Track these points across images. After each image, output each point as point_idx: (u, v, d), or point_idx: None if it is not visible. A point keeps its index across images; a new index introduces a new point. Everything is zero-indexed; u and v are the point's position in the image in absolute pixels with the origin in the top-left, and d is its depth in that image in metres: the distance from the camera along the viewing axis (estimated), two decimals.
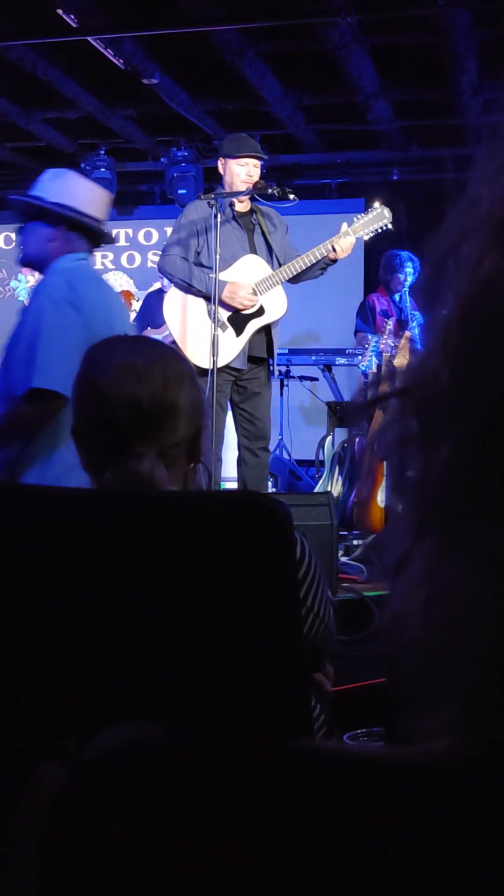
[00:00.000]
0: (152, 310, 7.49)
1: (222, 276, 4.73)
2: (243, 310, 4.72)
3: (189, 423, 1.52)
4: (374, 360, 5.42)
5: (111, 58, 6.56)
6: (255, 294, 4.75)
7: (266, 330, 4.85)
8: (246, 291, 4.70)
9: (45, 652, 1.21)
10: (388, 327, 5.59)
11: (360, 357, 5.73)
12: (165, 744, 0.38)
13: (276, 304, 4.83)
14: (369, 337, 5.63)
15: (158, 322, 7.62)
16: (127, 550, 1.20)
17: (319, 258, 4.77)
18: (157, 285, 7.99)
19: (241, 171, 4.79)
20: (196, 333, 4.69)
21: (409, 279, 7.48)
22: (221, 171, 4.88)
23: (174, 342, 4.87)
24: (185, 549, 1.17)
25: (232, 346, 4.75)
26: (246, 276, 4.79)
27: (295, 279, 4.84)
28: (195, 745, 0.37)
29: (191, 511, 1.19)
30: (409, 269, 7.44)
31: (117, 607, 1.18)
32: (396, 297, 7.47)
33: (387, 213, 4.93)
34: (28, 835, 0.35)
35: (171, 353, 1.58)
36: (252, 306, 4.73)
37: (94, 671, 1.20)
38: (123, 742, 0.38)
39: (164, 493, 1.41)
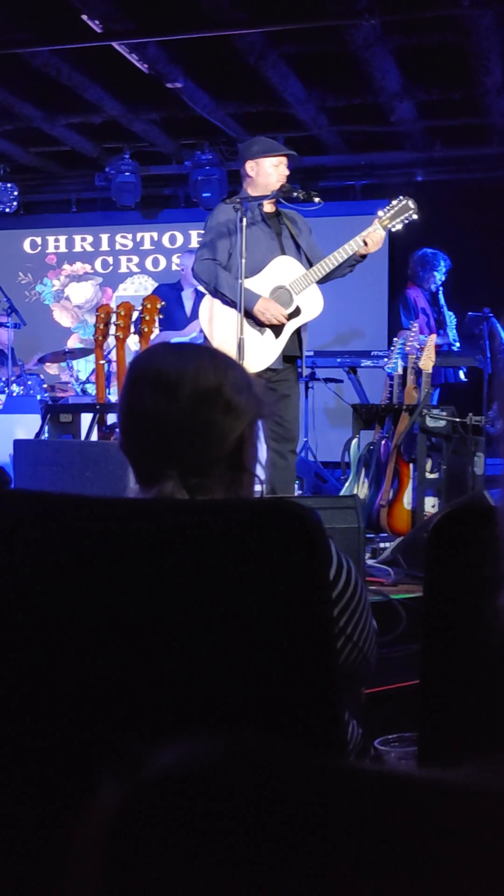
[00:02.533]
0: (168, 308, 7.46)
1: (255, 280, 4.74)
2: (268, 326, 4.73)
3: (227, 435, 1.48)
4: (400, 361, 5.41)
5: (135, 62, 6.59)
6: (291, 300, 4.76)
7: (297, 330, 4.85)
8: (278, 310, 4.71)
9: (73, 663, 1.21)
10: (414, 328, 5.58)
11: (385, 359, 5.72)
12: (218, 766, 0.38)
13: (312, 303, 4.83)
14: (395, 339, 5.62)
15: (179, 324, 7.60)
16: (152, 560, 1.20)
17: (350, 254, 4.77)
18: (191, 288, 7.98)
19: (274, 172, 4.80)
20: (230, 339, 4.70)
21: (442, 278, 7.48)
22: (252, 172, 4.85)
23: (205, 342, 4.89)
24: (213, 558, 1.17)
25: (272, 349, 4.76)
26: (279, 277, 4.79)
27: (324, 278, 4.83)
28: (247, 767, 0.38)
29: (218, 520, 1.19)
30: (442, 268, 7.44)
31: (144, 619, 1.18)
32: (427, 295, 7.47)
33: (412, 203, 4.92)
34: (86, 856, 0.35)
35: (208, 364, 1.51)
36: (281, 324, 4.73)
37: (118, 684, 1.20)
38: (177, 764, 0.39)
39: (191, 502, 1.40)
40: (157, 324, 5.20)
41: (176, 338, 7.44)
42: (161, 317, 5.29)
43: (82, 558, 1.22)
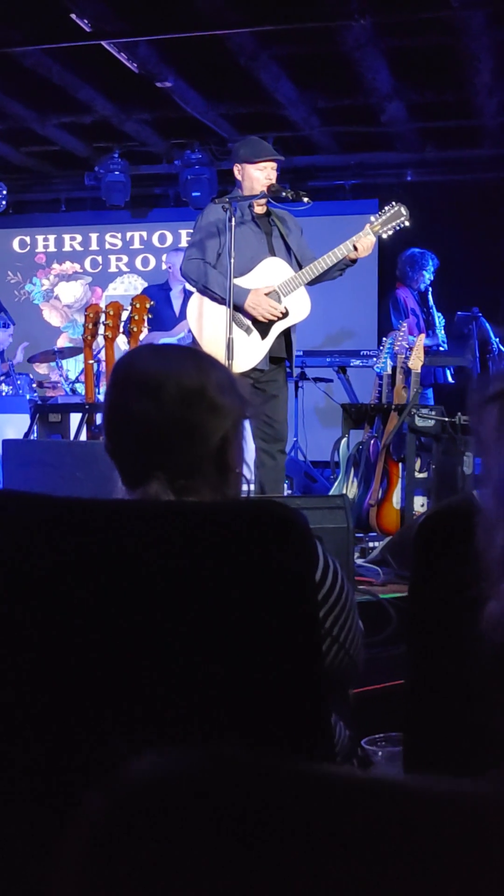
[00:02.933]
0: (157, 308, 7.45)
1: (244, 280, 4.74)
2: (264, 321, 4.72)
3: (212, 435, 1.48)
4: (389, 361, 5.42)
5: (126, 62, 6.58)
6: (279, 302, 4.75)
7: (285, 330, 4.85)
8: (269, 302, 4.70)
9: (61, 667, 1.21)
10: (403, 329, 5.59)
11: (374, 358, 5.72)
12: (198, 773, 0.38)
13: (299, 306, 4.83)
14: (384, 339, 5.63)
15: (167, 324, 7.60)
16: (139, 562, 1.20)
17: (340, 258, 4.77)
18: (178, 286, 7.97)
19: (261, 176, 4.80)
20: (218, 338, 4.70)
21: (431, 277, 7.49)
22: (239, 176, 4.87)
23: (195, 344, 4.89)
24: (199, 559, 1.17)
25: (258, 350, 4.76)
26: (268, 278, 4.79)
27: (313, 281, 4.84)
28: (227, 775, 0.38)
29: (204, 522, 1.19)
30: (431, 268, 7.45)
31: (130, 620, 1.18)
32: (416, 295, 7.48)
33: (404, 210, 4.92)
34: (69, 862, 0.35)
35: (191, 365, 1.52)
36: (275, 318, 4.73)
37: (105, 687, 1.20)
38: (157, 772, 0.39)
39: (178, 504, 1.40)
40: (146, 323, 5.20)
41: (164, 338, 7.43)
42: (150, 316, 5.28)
43: (69, 561, 1.22)
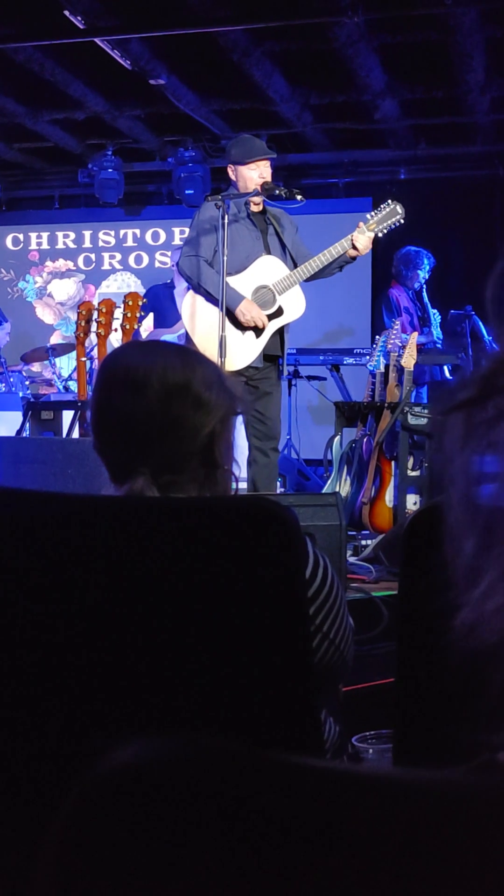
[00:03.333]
0: (162, 306, 7.46)
1: (239, 278, 4.74)
2: (248, 327, 4.73)
3: (198, 431, 1.48)
4: (382, 359, 5.42)
5: (118, 59, 6.57)
6: (274, 301, 4.76)
7: (279, 329, 4.86)
8: (259, 314, 4.72)
9: (46, 663, 1.21)
10: (396, 327, 5.58)
11: (368, 357, 5.72)
12: (177, 761, 0.38)
13: (294, 304, 4.83)
14: (377, 337, 5.63)
15: (169, 321, 7.61)
16: (127, 558, 1.19)
17: (337, 256, 4.77)
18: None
19: (254, 175, 4.80)
20: (212, 335, 4.70)
21: (426, 276, 7.49)
22: (233, 176, 4.87)
23: (188, 340, 4.89)
24: (188, 555, 1.16)
25: (252, 348, 4.77)
26: (263, 276, 4.79)
27: (310, 278, 4.84)
28: (206, 763, 0.37)
29: (194, 518, 1.19)
30: (426, 266, 7.45)
31: (119, 616, 1.18)
32: (411, 293, 7.47)
33: (399, 209, 4.92)
34: (48, 852, 0.35)
35: (176, 360, 1.51)
36: (256, 327, 4.74)
37: (95, 681, 1.19)
38: (136, 758, 0.39)
39: (167, 500, 1.40)
40: (138, 321, 5.19)
41: (166, 335, 7.45)
42: (142, 314, 5.28)
43: (58, 557, 1.22)
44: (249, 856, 0.35)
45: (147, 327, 7.47)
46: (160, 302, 7.44)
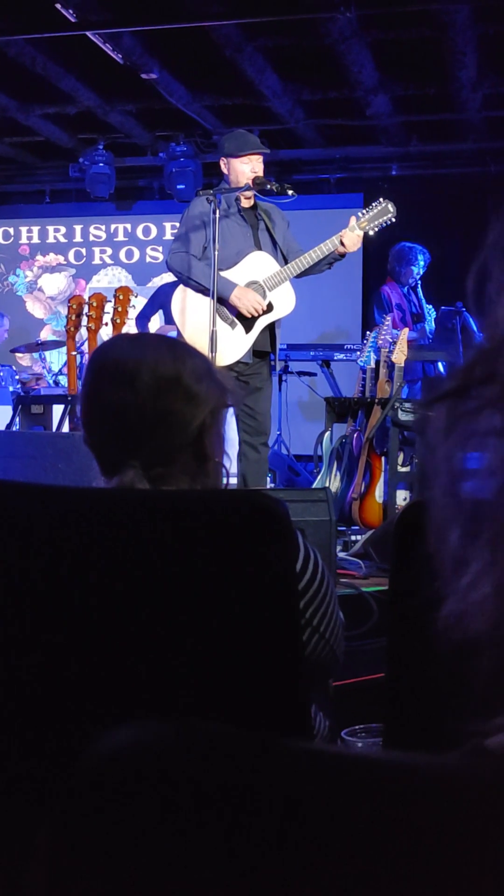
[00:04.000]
0: (169, 303, 7.47)
1: (230, 274, 4.74)
2: (248, 316, 4.72)
3: (188, 424, 1.48)
4: (373, 355, 5.42)
5: (110, 53, 6.55)
6: (264, 297, 4.76)
7: (269, 324, 4.86)
8: (255, 297, 4.71)
9: (38, 657, 1.21)
10: (387, 323, 5.59)
11: (358, 352, 5.73)
12: (170, 746, 0.38)
13: (284, 301, 4.83)
14: (367, 333, 5.64)
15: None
16: (118, 551, 1.19)
17: (327, 253, 4.77)
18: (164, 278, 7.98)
19: (246, 169, 4.80)
20: (202, 330, 4.70)
21: (421, 272, 7.49)
22: (225, 170, 4.88)
23: (180, 337, 4.89)
24: (180, 548, 1.16)
25: (242, 343, 4.77)
26: (254, 272, 4.79)
27: (300, 274, 4.84)
28: (199, 748, 0.38)
29: (186, 511, 1.19)
30: (421, 262, 7.44)
31: (110, 609, 1.18)
32: (405, 289, 7.47)
33: (391, 207, 4.93)
34: (42, 843, 0.35)
35: (166, 353, 1.51)
36: (257, 314, 4.73)
37: (86, 673, 1.19)
38: (128, 743, 0.39)
39: (158, 493, 1.39)
40: (129, 315, 5.19)
41: (174, 332, 7.47)
42: (133, 307, 5.27)
43: (49, 551, 1.22)
44: (245, 837, 0.36)
45: (155, 324, 7.49)
46: (169, 299, 7.45)
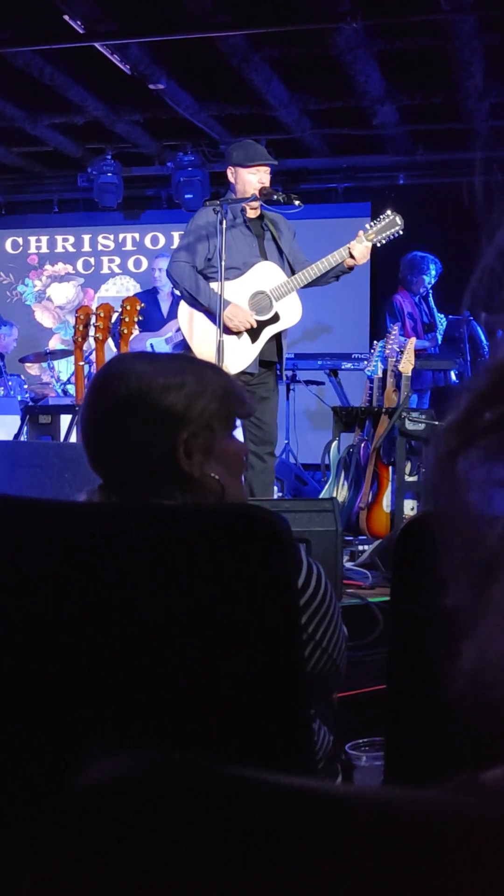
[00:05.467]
0: (147, 311, 7.49)
1: (235, 284, 4.74)
2: (235, 332, 4.73)
3: (159, 444, 1.44)
4: (380, 364, 5.42)
5: (118, 63, 6.58)
6: (271, 307, 4.76)
7: (276, 334, 4.86)
8: (246, 317, 4.71)
9: (37, 670, 1.21)
10: (394, 331, 5.59)
11: (366, 362, 5.73)
12: (157, 778, 0.38)
13: (290, 311, 4.84)
14: (375, 342, 5.64)
15: (155, 325, 7.66)
16: (115, 566, 1.19)
17: (335, 264, 4.78)
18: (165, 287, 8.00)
19: (254, 179, 4.80)
20: (209, 341, 4.70)
21: (432, 281, 7.48)
22: (232, 179, 4.88)
23: (187, 346, 4.90)
24: (178, 563, 1.16)
25: (247, 353, 4.77)
26: (260, 282, 4.80)
27: (307, 285, 4.84)
28: (185, 781, 0.38)
29: (185, 525, 1.19)
30: (432, 272, 7.44)
31: (108, 625, 1.18)
32: (417, 298, 7.47)
33: (399, 219, 4.93)
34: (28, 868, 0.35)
35: (144, 372, 1.47)
36: (242, 331, 4.73)
37: (85, 690, 1.19)
38: (115, 774, 0.39)
39: (158, 507, 1.38)
40: (136, 325, 5.20)
41: (152, 338, 7.48)
42: (140, 318, 5.29)
43: (42, 565, 1.22)
44: (227, 874, 0.36)
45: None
46: (145, 307, 7.48)
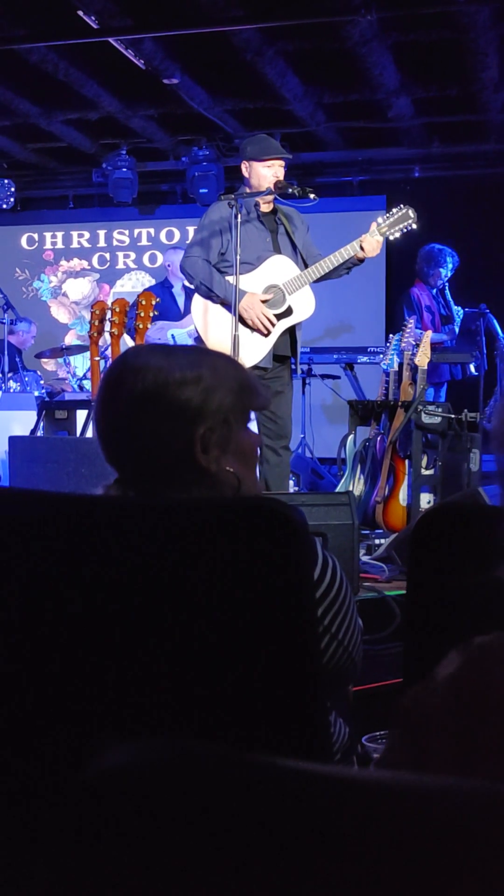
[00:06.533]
0: (162, 302, 7.51)
1: (249, 278, 4.73)
2: (253, 327, 4.72)
3: (174, 439, 1.43)
4: (396, 358, 5.41)
5: (132, 58, 6.58)
6: (284, 300, 4.75)
7: (290, 329, 4.85)
8: (262, 309, 4.70)
9: (50, 662, 1.21)
10: (410, 325, 5.57)
11: (381, 355, 5.71)
12: (168, 765, 0.38)
13: (304, 305, 4.83)
14: (391, 336, 5.62)
15: (173, 315, 7.67)
16: (132, 560, 1.19)
17: (347, 258, 4.77)
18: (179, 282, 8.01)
19: (268, 173, 4.79)
20: (223, 334, 4.70)
21: (449, 274, 7.45)
22: (246, 173, 4.87)
23: (200, 340, 4.90)
24: (195, 557, 1.16)
25: (261, 347, 4.76)
26: (273, 276, 4.79)
27: (320, 279, 4.84)
28: (195, 768, 0.38)
29: (200, 519, 1.19)
30: (449, 264, 7.41)
31: (124, 618, 1.18)
32: (434, 291, 7.44)
33: (412, 213, 4.91)
34: (45, 857, 0.35)
35: (160, 365, 1.46)
36: (262, 328, 4.73)
37: (100, 681, 1.20)
38: (127, 761, 0.39)
39: (172, 501, 1.38)
40: (151, 320, 5.21)
41: (174, 329, 7.48)
42: (156, 313, 5.29)
43: (59, 558, 1.22)
44: (240, 861, 0.36)
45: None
46: (161, 301, 7.50)
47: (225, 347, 4.60)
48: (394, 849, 0.35)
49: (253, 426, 5.00)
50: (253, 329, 4.74)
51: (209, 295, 4.77)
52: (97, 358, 5.33)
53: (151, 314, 5.15)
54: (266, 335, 4.75)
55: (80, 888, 0.37)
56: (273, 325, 4.75)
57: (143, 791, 0.37)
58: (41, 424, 5.63)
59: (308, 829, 0.36)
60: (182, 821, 0.36)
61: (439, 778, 0.39)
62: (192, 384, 1.44)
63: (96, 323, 5.22)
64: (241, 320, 4.68)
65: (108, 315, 5.20)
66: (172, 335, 7.55)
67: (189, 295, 6.87)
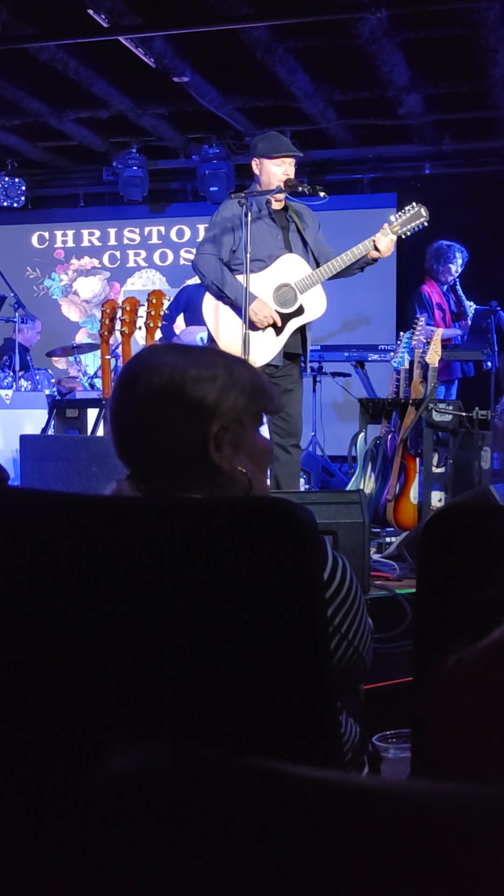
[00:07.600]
0: (195, 305, 7.49)
1: (260, 276, 4.73)
2: (259, 327, 4.73)
3: (190, 436, 1.44)
4: (407, 356, 5.40)
5: (142, 57, 6.58)
6: (296, 299, 4.76)
7: (301, 327, 4.85)
8: (270, 313, 4.71)
9: (58, 664, 1.21)
10: (420, 322, 5.57)
11: (392, 353, 5.71)
12: (173, 771, 0.38)
13: (315, 303, 4.83)
14: (401, 334, 5.62)
15: (201, 319, 7.62)
16: (141, 560, 1.19)
17: (360, 256, 4.76)
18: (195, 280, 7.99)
19: (279, 171, 4.79)
20: (234, 333, 4.70)
21: (459, 270, 7.44)
22: (257, 171, 4.87)
23: (211, 339, 4.90)
24: (203, 557, 1.16)
25: (272, 346, 4.77)
26: (285, 275, 4.79)
27: (332, 277, 4.83)
28: (202, 774, 0.38)
29: (209, 519, 1.19)
30: (459, 260, 7.40)
31: (132, 619, 1.18)
32: (444, 288, 7.42)
33: (424, 211, 4.91)
34: (52, 860, 0.35)
35: (169, 361, 1.46)
36: (262, 328, 4.73)
37: (108, 683, 1.20)
38: (134, 767, 0.39)
39: (182, 500, 1.38)
40: (162, 319, 5.21)
41: (201, 333, 7.48)
42: (167, 311, 5.29)
43: (69, 558, 1.22)
44: (244, 866, 0.36)
45: (179, 326, 7.49)
46: (193, 301, 7.45)
47: (235, 346, 4.60)
48: (398, 856, 0.35)
49: (263, 428, 5.02)
50: (266, 327, 4.74)
51: (220, 295, 4.77)
52: (108, 356, 5.34)
53: (162, 312, 5.16)
54: (280, 328, 4.76)
55: (87, 891, 0.37)
56: (280, 323, 4.75)
57: (149, 796, 0.37)
58: (52, 423, 5.65)
59: (312, 834, 0.36)
60: (187, 825, 0.36)
61: (442, 784, 0.39)
62: (208, 381, 1.45)
63: (107, 321, 5.23)
64: (251, 324, 4.69)
65: (119, 314, 5.21)
66: (202, 338, 7.54)
67: None
